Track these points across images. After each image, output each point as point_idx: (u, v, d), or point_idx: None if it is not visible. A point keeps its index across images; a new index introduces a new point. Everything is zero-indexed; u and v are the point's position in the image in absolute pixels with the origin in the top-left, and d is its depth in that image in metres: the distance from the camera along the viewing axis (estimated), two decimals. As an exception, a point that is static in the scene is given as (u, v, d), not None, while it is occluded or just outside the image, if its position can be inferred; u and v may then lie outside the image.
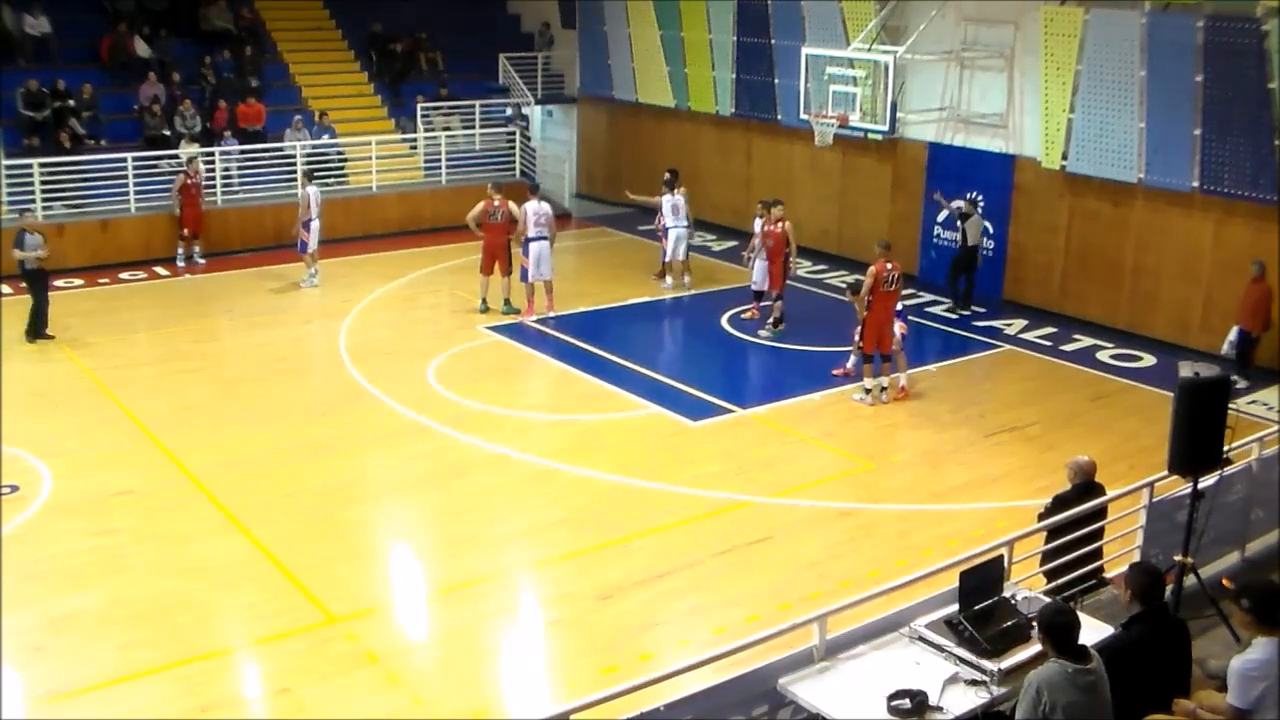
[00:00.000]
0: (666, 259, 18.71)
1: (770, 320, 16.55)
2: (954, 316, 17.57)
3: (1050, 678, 5.55)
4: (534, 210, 16.82)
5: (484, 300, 17.35)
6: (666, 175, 19.30)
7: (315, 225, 18.45)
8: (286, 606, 9.36)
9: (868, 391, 14.05)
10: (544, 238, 16.79)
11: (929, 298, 18.35)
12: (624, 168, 24.85)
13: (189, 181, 19.47)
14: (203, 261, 19.81)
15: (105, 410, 13.40)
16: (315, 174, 19.35)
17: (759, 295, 16.95)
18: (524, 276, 16.97)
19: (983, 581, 6.78)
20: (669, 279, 18.85)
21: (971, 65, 18.26)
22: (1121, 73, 16.06)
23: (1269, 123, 14.67)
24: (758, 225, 16.83)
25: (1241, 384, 13.96)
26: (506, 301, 17.23)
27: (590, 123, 25.99)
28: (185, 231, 19.62)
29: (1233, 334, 14.71)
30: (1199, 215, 15.84)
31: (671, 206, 18.35)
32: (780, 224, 16.22)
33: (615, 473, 11.96)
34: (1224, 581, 7.93)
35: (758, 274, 16.79)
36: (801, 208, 19.97)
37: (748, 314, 17.26)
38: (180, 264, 19.66)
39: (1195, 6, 15.09)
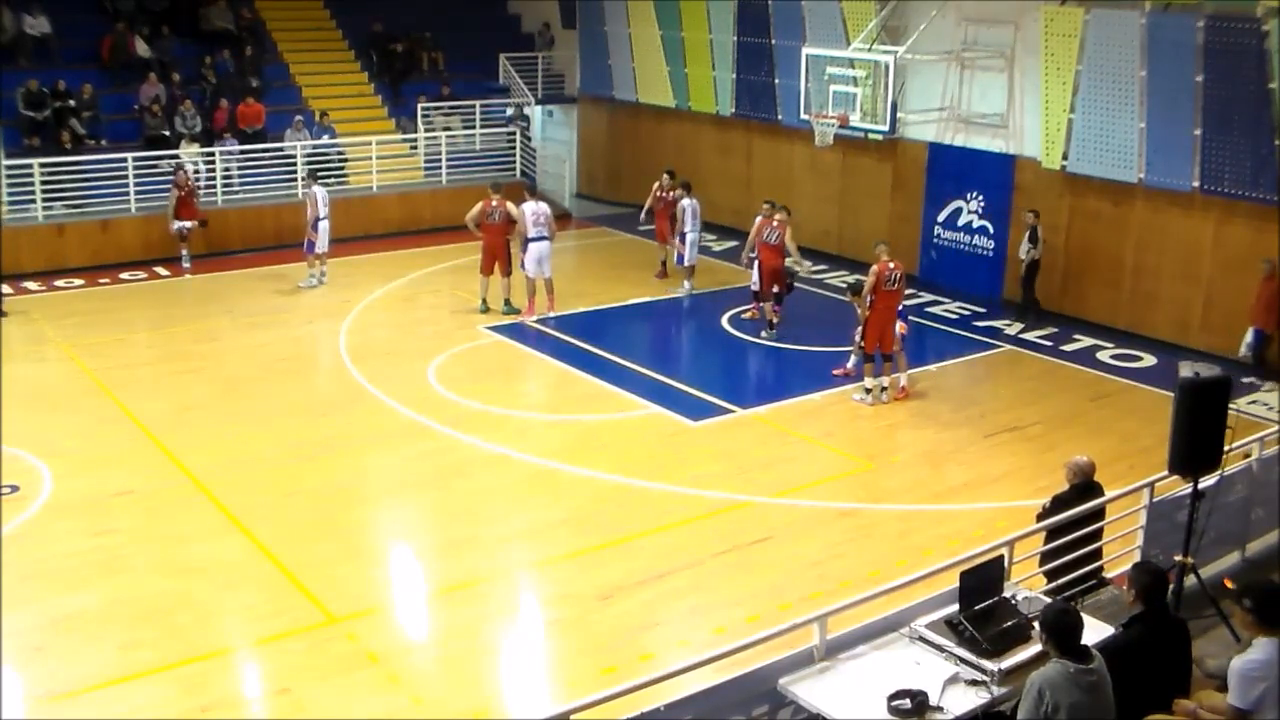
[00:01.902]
0: (686, 263, 18.56)
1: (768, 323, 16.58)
2: (1014, 331, 16.96)
3: (1052, 678, 5.55)
4: (533, 210, 16.82)
5: (484, 300, 17.35)
6: (668, 178, 19.26)
7: (325, 225, 18.39)
8: (286, 606, 9.36)
9: (868, 391, 14.05)
10: (544, 238, 16.80)
11: (929, 298, 18.35)
12: (624, 168, 24.88)
13: (181, 193, 19.31)
14: (187, 266, 19.49)
15: (105, 410, 13.40)
16: (319, 174, 19.31)
17: (758, 295, 16.94)
18: (524, 264, 16.95)
19: (983, 581, 6.78)
20: (687, 283, 18.75)
21: (971, 65, 18.25)
22: (1122, 73, 16.06)
23: (1269, 123, 14.66)
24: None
25: (1267, 385, 14.00)
26: (506, 301, 17.23)
27: (590, 123, 25.99)
28: (186, 230, 19.54)
29: (1249, 335, 14.64)
30: (1199, 215, 15.84)
31: (692, 210, 18.28)
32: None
33: (615, 473, 11.95)
34: (1226, 582, 7.94)
35: (757, 274, 16.80)
36: (801, 208, 19.94)
37: (748, 314, 17.25)
38: (185, 265, 19.58)
39: (1195, 6, 15.08)
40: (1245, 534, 9.35)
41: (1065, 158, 17.04)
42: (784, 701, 6.20)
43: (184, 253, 19.61)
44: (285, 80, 23.71)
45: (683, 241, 18.35)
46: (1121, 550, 8.49)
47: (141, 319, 17.29)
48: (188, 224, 19.43)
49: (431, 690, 8.42)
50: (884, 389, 14.06)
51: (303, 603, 9.42)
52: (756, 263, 16.42)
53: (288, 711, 8.12)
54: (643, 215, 19.72)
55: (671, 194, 18.82)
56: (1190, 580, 7.87)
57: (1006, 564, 7.16)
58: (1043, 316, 17.22)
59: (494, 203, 17.06)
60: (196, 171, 20.26)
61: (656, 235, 19.57)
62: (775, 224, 16.23)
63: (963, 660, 6.32)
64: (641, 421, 13.49)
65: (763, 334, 16.48)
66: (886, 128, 17.72)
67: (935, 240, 19.19)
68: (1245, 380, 14.09)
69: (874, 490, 11.82)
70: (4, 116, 19.89)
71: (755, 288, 16.80)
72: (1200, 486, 7.74)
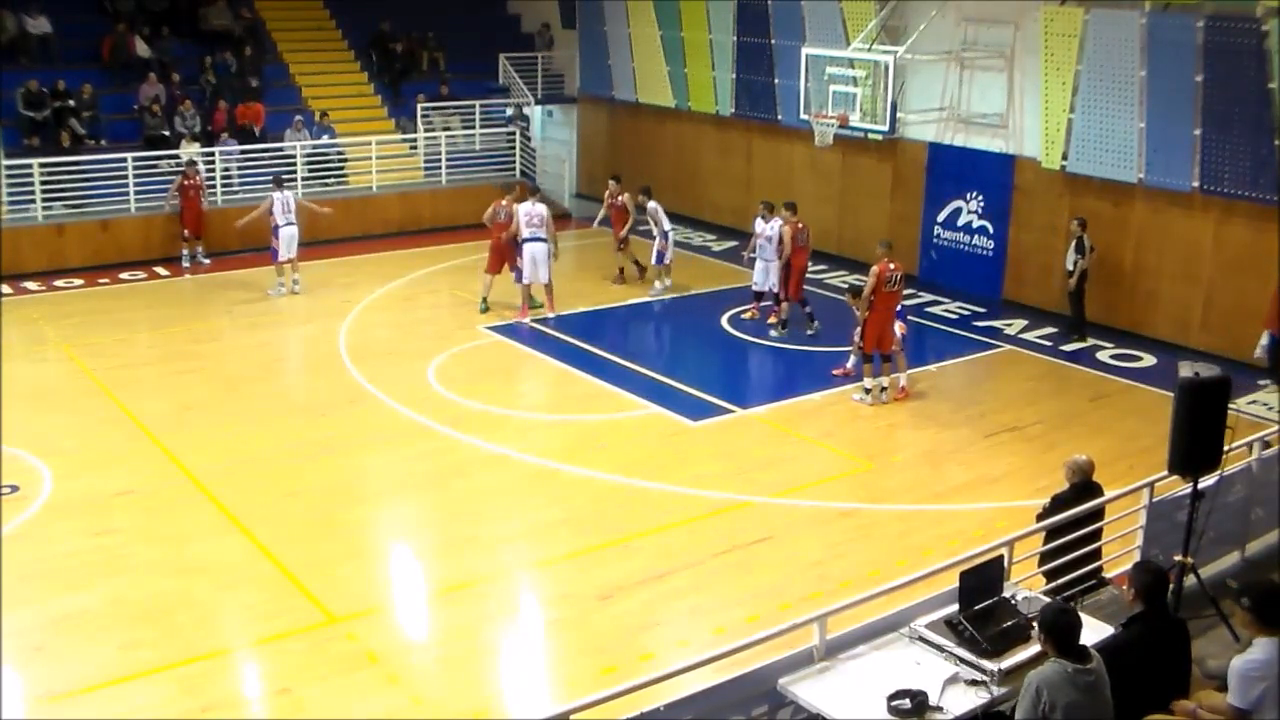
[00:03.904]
0: (667, 260, 18.58)
1: (777, 321, 16.58)
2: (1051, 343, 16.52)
3: (1050, 678, 5.55)
4: (526, 211, 16.74)
5: (484, 300, 17.35)
6: (614, 183, 19.03)
7: (287, 232, 17.88)
8: (286, 606, 9.36)
9: (868, 391, 14.05)
10: (539, 239, 16.68)
11: (929, 298, 18.35)
12: (624, 168, 24.76)
13: (187, 183, 19.41)
14: (207, 261, 19.79)
15: (105, 410, 13.39)
16: (286, 179, 18.85)
17: (759, 295, 16.95)
18: (518, 278, 16.95)
19: (983, 581, 6.79)
20: (659, 282, 18.68)
21: (971, 65, 18.25)
22: (1121, 73, 16.06)
23: (1269, 123, 14.66)
24: (758, 225, 16.83)
25: (1270, 385, 14.00)
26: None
27: (590, 123, 25.99)
28: (186, 232, 19.62)
29: (1264, 338, 14.59)
30: (1199, 215, 15.83)
31: (662, 210, 18.39)
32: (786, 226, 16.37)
33: (615, 473, 11.96)
34: (1229, 582, 7.93)
35: (758, 274, 16.81)
36: (802, 208, 19.90)
37: (748, 314, 17.27)
38: (185, 264, 19.66)
39: (1195, 6, 15.09)
40: (1245, 534, 9.35)
41: (1065, 158, 17.03)
42: (784, 701, 6.20)
43: (185, 252, 19.63)
44: (285, 80, 23.72)
45: (665, 239, 18.38)
46: (1121, 550, 8.49)
47: (141, 319, 17.30)
48: (184, 230, 19.53)
49: (431, 690, 8.42)
50: (884, 389, 14.06)
51: (303, 603, 9.42)
52: (780, 265, 16.37)
53: (288, 711, 8.12)
54: (595, 224, 19.69)
55: (620, 199, 18.79)
56: (1190, 580, 7.87)
57: (1006, 564, 7.16)
58: (1089, 330, 16.62)
59: (502, 202, 17.21)
60: (197, 172, 20.26)
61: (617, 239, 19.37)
62: (801, 225, 16.35)
63: (963, 660, 6.32)
64: (641, 421, 13.49)
65: (772, 333, 16.46)
66: (886, 128, 17.72)
67: (935, 240, 19.19)
68: (1261, 383, 14.13)
69: (874, 490, 11.82)
70: (4, 116, 19.89)
71: (758, 288, 16.82)
72: (1200, 486, 7.74)
